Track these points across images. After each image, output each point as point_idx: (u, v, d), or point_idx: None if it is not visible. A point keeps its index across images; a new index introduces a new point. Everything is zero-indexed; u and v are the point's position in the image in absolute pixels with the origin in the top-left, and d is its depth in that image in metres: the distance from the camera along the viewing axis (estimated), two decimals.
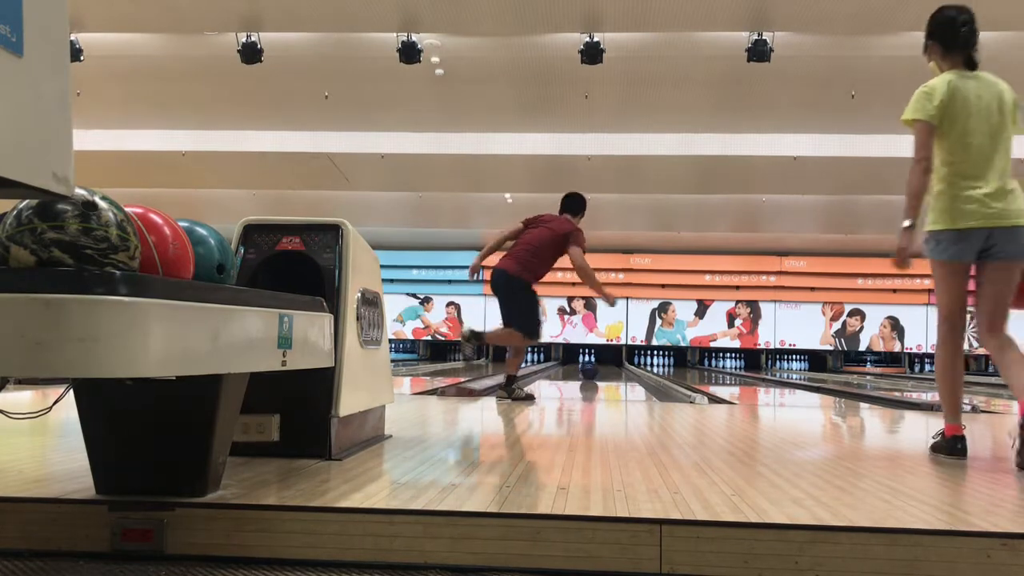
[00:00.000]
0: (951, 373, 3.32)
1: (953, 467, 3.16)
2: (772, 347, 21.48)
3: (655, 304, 21.54)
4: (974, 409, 6.68)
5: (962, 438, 3.25)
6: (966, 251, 3.16)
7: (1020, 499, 2.42)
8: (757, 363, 21.46)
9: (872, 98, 12.72)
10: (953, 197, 3.19)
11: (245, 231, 3.00)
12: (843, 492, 2.46)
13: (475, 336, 6.28)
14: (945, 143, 3.23)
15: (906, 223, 3.23)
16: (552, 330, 20.95)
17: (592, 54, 11.34)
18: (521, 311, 6.02)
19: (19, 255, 1.63)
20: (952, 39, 3.29)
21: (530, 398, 6.14)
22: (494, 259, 6.36)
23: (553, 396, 7.86)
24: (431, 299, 22.03)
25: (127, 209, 1.80)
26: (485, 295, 21.74)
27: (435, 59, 12.11)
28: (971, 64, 3.31)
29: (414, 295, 22.00)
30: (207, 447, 2.10)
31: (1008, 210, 3.13)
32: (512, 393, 6.07)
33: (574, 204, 6.33)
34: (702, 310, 21.64)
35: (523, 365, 6.41)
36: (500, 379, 8.13)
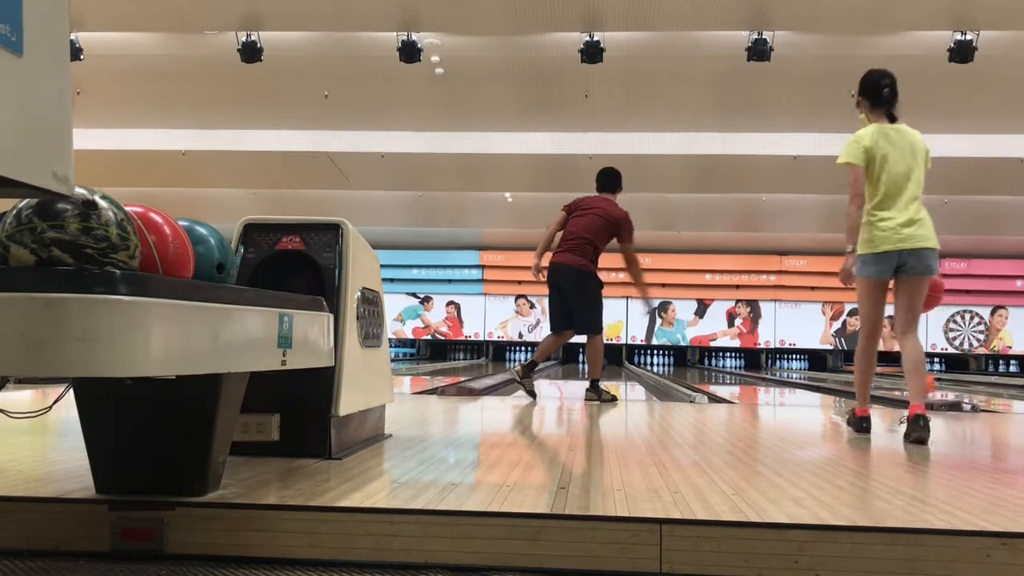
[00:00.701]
0: (866, 367, 4.21)
1: (953, 467, 3.16)
2: (772, 346, 21.47)
3: (655, 303, 21.54)
4: (974, 409, 6.68)
5: (868, 418, 4.12)
6: (884, 270, 3.90)
7: (1020, 499, 2.42)
8: (757, 362, 21.45)
9: None
10: (872, 226, 3.90)
11: (245, 230, 2.99)
12: (843, 492, 2.46)
13: (529, 368, 6.11)
14: (868, 182, 3.93)
15: (848, 248, 3.98)
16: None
17: (592, 53, 11.34)
18: (594, 305, 5.91)
19: (19, 254, 1.63)
20: (878, 97, 4.02)
21: (532, 395, 6.12)
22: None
23: (553, 396, 7.86)
24: (431, 298, 22.02)
25: (127, 208, 1.80)
26: (485, 294, 21.75)
27: (435, 59, 12.11)
28: (892, 118, 4.02)
29: (414, 295, 21.99)
30: (207, 447, 2.10)
31: (916, 235, 3.84)
32: (600, 395, 5.98)
33: (611, 181, 6.17)
34: (702, 309, 21.64)
35: (516, 364, 6.34)
36: (500, 379, 8.12)
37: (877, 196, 3.90)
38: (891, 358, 23.51)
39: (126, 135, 14.66)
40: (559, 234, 6.07)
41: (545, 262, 6.05)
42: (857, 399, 4.20)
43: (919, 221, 3.86)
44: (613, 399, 6.09)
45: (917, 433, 3.71)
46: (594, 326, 6.02)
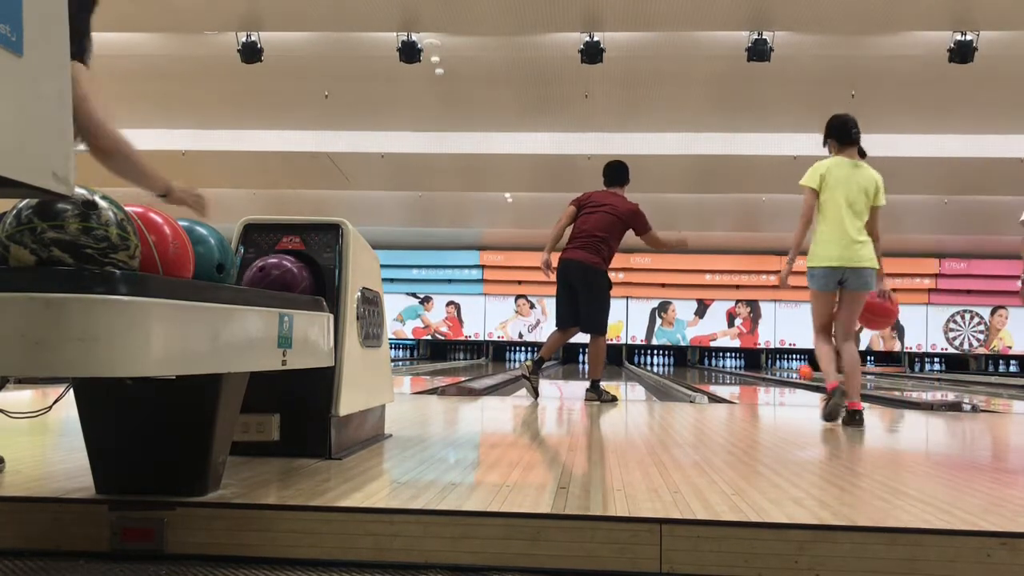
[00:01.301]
0: (825, 354, 4.69)
1: (953, 467, 3.16)
2: (772, 346, 21.47)
3: (655, 304, 21.54)
4: (974, 409, 6.68)
5: (838, 389, 4.54)
6: (828, 283, 4.56)
7: (1020, 499, 2.42)
8: (757, 362, 21.46)
9: (872, 98, 12.71)
10: (820, 244, 4.56)
11: (245, 230, 2.99)
12: (843, 492, 2.46)
13: (538, 365, 6.08)
14: (820, 205, 4.58)
15: (788, 258, 4.70)
16: (553, 329, 20.90)
17: (592, 54, 11.34)
18: (603, 305, 5.90)
19: (19, 254, 1.63)
20: (847, 137, 4.63)
21: (536, 393, 6.09)
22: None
23: (553, 396, 7.86)
24: (431, 299, 22.02)
25: (127, 208, 1.80)
26: (485, 295, 21.75)
27: (435, 59, 12.11)
28: (863, 153, 4.64)
29: (414, 295, 22.00)
30: (207, 447, 2.10)
31: (855, 256, 4.49)
32: (601, 395, 5.98)
33: (619, 174, 6.14)
34: (702, 309, 21.64)
35: (518, 365, 6.34)
36: (500, 379, 8.12)
37: (826, 219, 4.54)
38: (890, 358, 23.28)
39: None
40: (568, 229, 6.05)
41: (554, 259, 6.03)
42: (825, 377, 4.70)
43: (861, 243, 4.51)
44: (613, 399, 6.08)
45: (854, 426, 4.41)
46: (600, 326, 6.01)
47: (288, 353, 2.22)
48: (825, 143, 4.72)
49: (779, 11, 10.86)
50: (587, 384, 6.22)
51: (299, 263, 2.78)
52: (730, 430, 4.54)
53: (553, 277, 5.94)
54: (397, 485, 2.39)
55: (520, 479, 2.52)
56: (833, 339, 4.71)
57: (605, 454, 3.18)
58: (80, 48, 2.24)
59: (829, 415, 4.56)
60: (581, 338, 6.22)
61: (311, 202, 16.64)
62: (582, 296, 5.87)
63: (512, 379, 9.76)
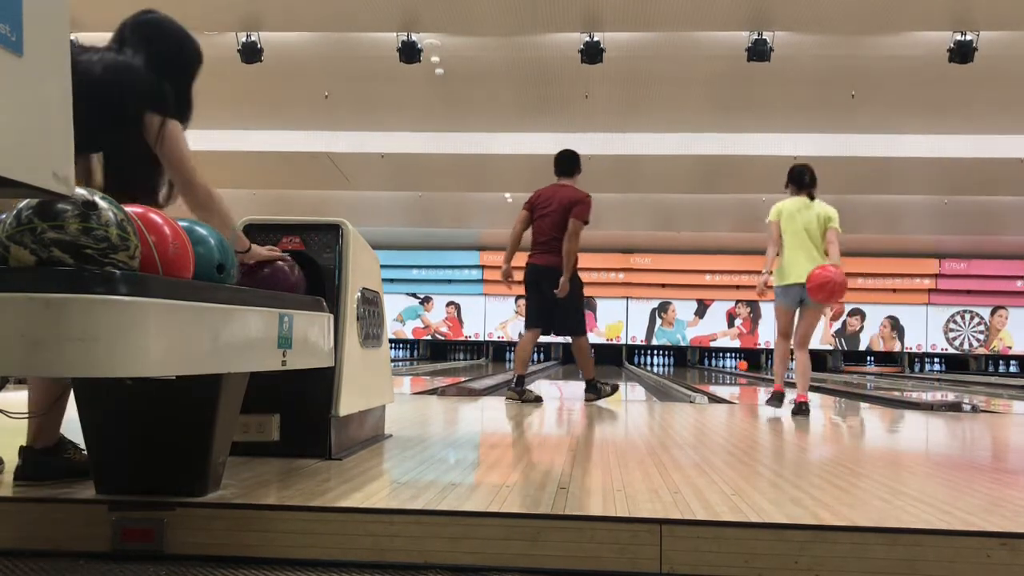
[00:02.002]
0: (782, 358, 5.76)
1: (953, 467, 3.16)
2: (772, 347, 21.46)
3: (655, 304, 21.54)
4: (974, 409, 6.68)
5: (782, 394, 5.66)
6: (791, 300, 5.48)
7: (1020, 499, 2.42)
8: (757, 363, 21.45)
9: (872, 98, 12.71)
10: (781, 268, 5.47)
11: (245, 231, 2.98)
12: (843, 492, 2.46)
13: (519, 384, 5.94)
14: (783, 236, 5.47)
15: (763, 271, 5.54)
16: None
17: (592, 54, 11.33)
18: (577, 306, 5.84)
19: (19, 255, 1.63)
20: (801, 183, 5.59)
21: (538, 400, 5.94)
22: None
23: (553, 396, 7.86)
24: (431, 299, 22.02)
25: (127, 208, 1.80)
26: (485, 295, 21.75)
27: (435, 59, 12.10)
28: (811, 197, 5.54)
29: (414, 295, 22.00)
30: (207, 447, 2.10)
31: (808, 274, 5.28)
32: (600, 393, 5.94)
33: (566, 164, 6.06)
34: (702, 310, 21.64)
35: (507, 390, 6.11)
36: (500, 379, 8.11)
37: (786, 246, 5.45)
38: (890, 359, 23.32)
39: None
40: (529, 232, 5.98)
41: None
42: (776, 379, 5.79)
43: (814, 263, 5.33)
44: (614, 389, 6.05)
45: (801, 415, 5.32)
46: (577, 327, 5.95)
47: (288, 353, 2.22)
48: (786, 187, 5.67)
49: (779, 11, 10.85)
50: (584, 385, 6.18)
51: (290, 260, 2.76)
52: (730, 430, 4.54)
53: (513, 289, 5.87)
54: (397, 485, 2.39)
55: (520, 479, 2.52)
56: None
57: (605, 454, 3.18)
58: (184, 109, 2.45)
59: (768, 405, 5.69)
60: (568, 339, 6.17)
61: (311, 202, 16.63)
62: (552, 300, 5.75)
63: (512, 379, 9.74)
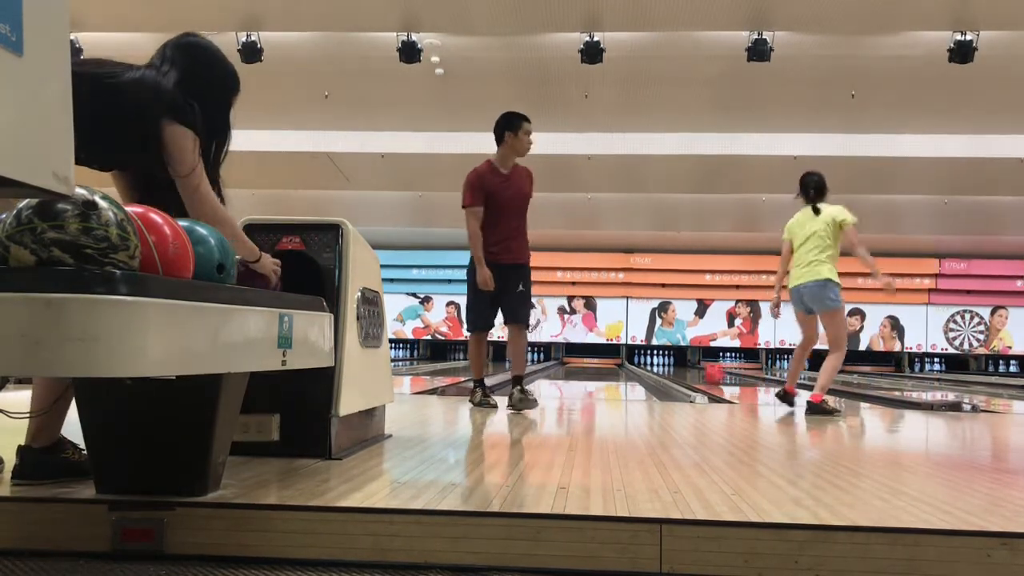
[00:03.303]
0: (799, 360, 6.01)
1: (953, 467, 3.16)
2: (772, 347, 21.46)
3: (655, 304, 21.53)
4: (974, 409, 6.68)
5: (792, 396, 5.81)
6: (796, 304, 5.63)
7: (1020, 499, 2.42)
8: (757, 362, 21.46)
9: (872, 98, 12.72)
10: (790, 272, 5.66)
11: (245, 231, 2.99)
12: (843, 492, 2.46)
13: (480, 386, 5.53)
14: (793, 251, 5.68)
15: (774, 292, 5.78)
16: (552, 329, 20.99)
17: (592, 53, 11.34)
18: (528, 294, 5.47)
19: (19, 255, 1.63)
20: (805, 196, 5.74)
21: (534, 403, 5.47)
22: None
23: (553, 396, 7.86)
24: (431, 299, 22.02)
25: (127, 208, 1.80)
26: None
27: (435, 59, 12.11)
28: (816, 209, 5.64)
29: (414, 295, 21.99)
30: (207, 447, 2.10)
31: (809, 272, 5.50)
32: (528, 395, 5.37)
33: (498, 127, 5.90)
34: (702, 310, 21.63)
35: (469, 396, 5.66)
36: (500, 379, 8.13)
37: (794, 255, 5.66)
38: (884, 359, 23.31)
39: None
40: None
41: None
42: (790, 379, 5.96)
43: (815, 263, 5.50)
44: (535, 403, 5.38)
45: (811, 414, 5.40)
46: (527, 316, 5.53)
47: (288, 353, 2.22)
48: (797, 195, 5.83)
49: (779, 11, 10.86)
50: (521, 386, 5.38)
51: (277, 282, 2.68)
52: (730, 430, 4.54)
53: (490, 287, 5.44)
54: (397, 485, 2.39)
55: (520, 479, 2.52)
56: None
57: (605, 454, 3.18)
58: (219, 133, 2.61)
59: (778, 399, 5.93)
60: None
61: (311, 202, 16.63)
62: (516, 294, 5.37)
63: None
